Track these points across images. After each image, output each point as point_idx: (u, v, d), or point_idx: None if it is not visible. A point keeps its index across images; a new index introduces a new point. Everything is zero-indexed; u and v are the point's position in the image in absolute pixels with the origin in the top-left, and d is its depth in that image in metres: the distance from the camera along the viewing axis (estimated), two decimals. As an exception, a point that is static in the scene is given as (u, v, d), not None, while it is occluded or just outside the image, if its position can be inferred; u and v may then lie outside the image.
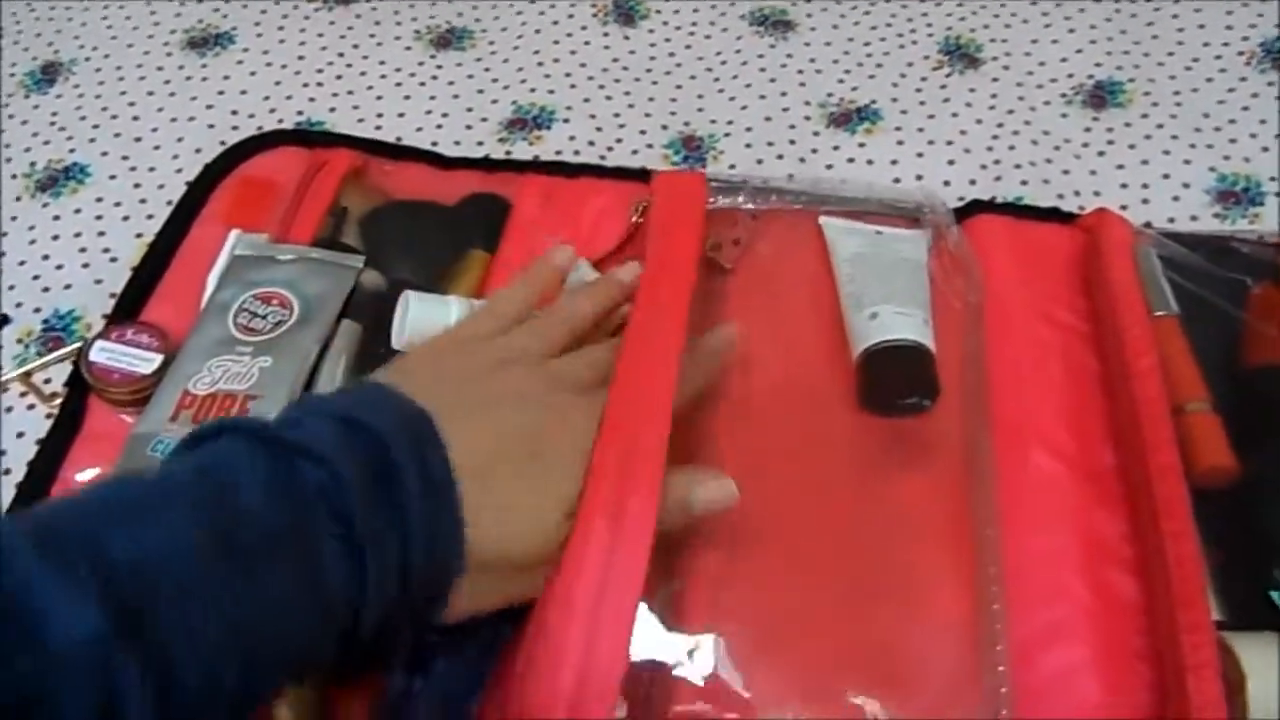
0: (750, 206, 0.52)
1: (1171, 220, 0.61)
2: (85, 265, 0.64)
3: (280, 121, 0.72)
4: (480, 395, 0.36)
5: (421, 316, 0.45)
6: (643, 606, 0.35)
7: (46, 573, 0.27)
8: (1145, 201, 0.63)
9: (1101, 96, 0.69)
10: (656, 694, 0.38)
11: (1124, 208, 0.61)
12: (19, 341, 0.60)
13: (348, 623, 0.31)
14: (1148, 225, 0.53)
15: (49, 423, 0.49)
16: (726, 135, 0.69)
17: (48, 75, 0.77)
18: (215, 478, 0.30)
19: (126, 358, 0.48)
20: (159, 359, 0.48)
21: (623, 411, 0.37)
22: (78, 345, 0.49)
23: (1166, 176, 0.64)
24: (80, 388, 0.49)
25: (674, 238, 0.46)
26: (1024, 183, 0.64)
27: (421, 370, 0.37)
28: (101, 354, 0.48)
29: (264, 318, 0.48)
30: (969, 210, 0.54)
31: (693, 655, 0.38)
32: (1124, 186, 0.63)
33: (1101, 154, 0.65)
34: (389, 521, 0.31)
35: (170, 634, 0.27)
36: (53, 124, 0.73)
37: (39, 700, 0.25)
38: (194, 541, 0.29)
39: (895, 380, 0.44)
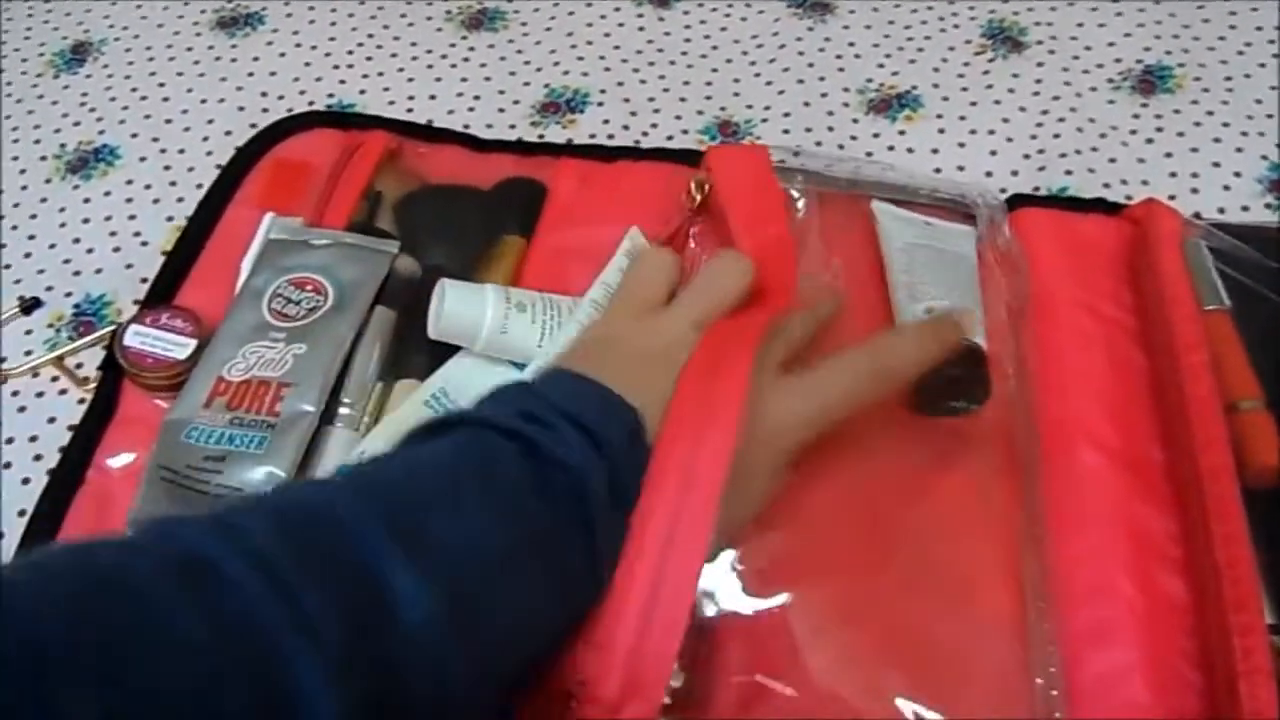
0: (801, 199, 0.51)
1: (1222, 211, 0.59)
2: (116, 249, 0.63)
3: (311, 103, 0.72)
4: (665, 385, 0.37)
5: (457, 305, 0.44)
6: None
7: (396, 553, 0.28)
8: (1195, 191, 0.61)
9: (1151, 82, 0.67)
10: (699, 679, 0.37)
11: (1172, 197, 0.59)
12: (50, 326, 0.59)
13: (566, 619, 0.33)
14: (1197, 216, 0.52)
15: (81, 408, 0.49)
16: (763, 120, 0.67)
17: (78, 55, 0.77)
18: (489, 475, 0.32)
19: (161, 342, 0.47)
20: (193, 344, 0.47)
21: (699, 401, 0.36)
22: (111, 329, 0.49)
23: (1217, 165, 0.62)
24: (114, 372, 0.48)
25: (764, 217, 0.46)
26: (1069, 172, 0.62)
27: (613, 355, 0.38)
28: (135, 338, 0.48)
29: (298, 304, 0.47)
30: (1011, 204, 0.53)
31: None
32: (1173, 175, 0.62)
33: (1150, 142, 0.63)
34: (619, 534, 0.33)
35: (485, 625, 0.29)
36: (83, 104, 0.73)
37: (393, 679, 0.26)
38: (493, 539, 0.31)
39: (949, 381, 0.43)
